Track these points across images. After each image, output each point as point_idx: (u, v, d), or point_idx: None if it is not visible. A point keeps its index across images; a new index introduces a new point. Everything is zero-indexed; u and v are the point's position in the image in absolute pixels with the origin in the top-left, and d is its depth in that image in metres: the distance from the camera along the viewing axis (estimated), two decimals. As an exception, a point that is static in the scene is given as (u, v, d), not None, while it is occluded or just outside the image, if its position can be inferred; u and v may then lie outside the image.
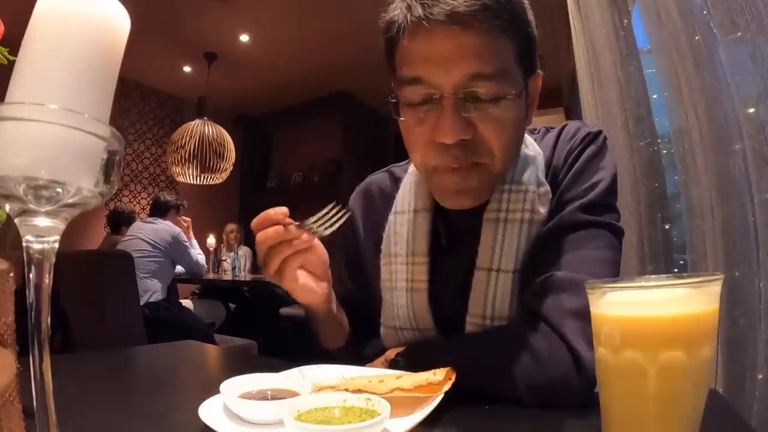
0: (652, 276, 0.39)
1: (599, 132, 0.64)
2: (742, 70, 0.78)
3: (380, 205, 0.75)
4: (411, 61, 0.54)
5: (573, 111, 3.36)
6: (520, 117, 0.57)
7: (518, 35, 0.53)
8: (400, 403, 0.41)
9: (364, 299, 0.76)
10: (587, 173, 0.60)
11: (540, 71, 0.60)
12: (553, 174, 0.63)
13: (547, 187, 0.61)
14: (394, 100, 0.57)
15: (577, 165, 0.61)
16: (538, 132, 0.70)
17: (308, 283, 0.61)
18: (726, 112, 0.83)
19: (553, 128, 0.69)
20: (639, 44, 1.24)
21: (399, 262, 0.67)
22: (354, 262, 0.78)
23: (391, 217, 0.70)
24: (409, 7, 0.52)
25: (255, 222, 0.56)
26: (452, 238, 0.66)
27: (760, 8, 0.71)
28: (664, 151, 1.18)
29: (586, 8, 1.41)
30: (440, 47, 0.51)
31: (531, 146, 0.65)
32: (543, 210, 0.59)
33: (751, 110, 0.76)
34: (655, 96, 1.20)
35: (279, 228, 0.55)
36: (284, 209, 0.55)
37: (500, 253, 0.59)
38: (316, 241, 0.60)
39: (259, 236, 0.55)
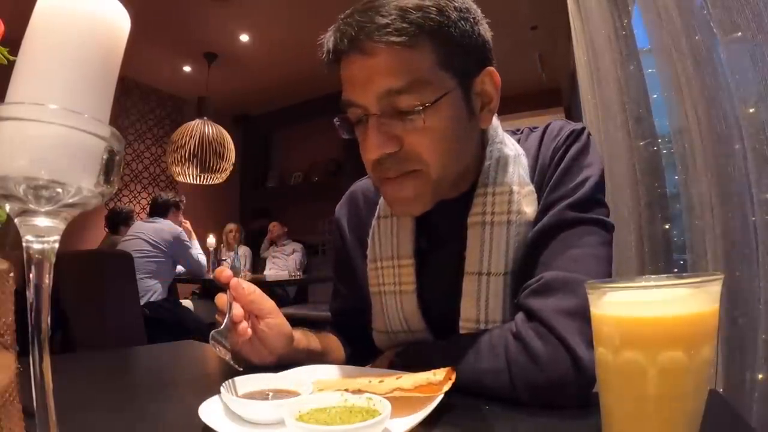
0: (652, 276, 0.39)
1: (583, 129, 0.63)
2: (742, 69, 0.78)
3: (364, 210, 0.76)
4: (344, 86, 0.57)
5: (573, 111, 3.36)
6: (455, 120, 0.56)
7: (438, 41, 0.53)
8: (400, 403, 0.41)
9: (360, 306, 0.75)
10: (574, 171, 0.60)
11: (492, 67, 0.59)
12: (540, 174, 0.62)
13: (531, 187, 0.61)
14: (338, 122, 0.60)
15: (563, 164, 0.61)
16: (521, 132, 0.70)
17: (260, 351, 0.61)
18: (726, 112, 0.83)
19: (536, 128, 0.68)
20: (639, 44, 1.24)
21: (385, 266, 0.67)
22: (345, 270, 0.78)
23: (374, 222, 0.70)
24: (332, 38, 0.56)
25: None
26: (435, 241, 0.66)
27: (760, 8, 0.71)
28: (664, 151, 1.18)
29: (586, 8, 1.42)
30: (355, 72, 0.55)
31: (511, 146, 0.64)
32: (529, 210, 0.59)
33: (751, 110, 0.76)
34: (655, 96, 1.20)
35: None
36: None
37: (489, 256, 0.58)
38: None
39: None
